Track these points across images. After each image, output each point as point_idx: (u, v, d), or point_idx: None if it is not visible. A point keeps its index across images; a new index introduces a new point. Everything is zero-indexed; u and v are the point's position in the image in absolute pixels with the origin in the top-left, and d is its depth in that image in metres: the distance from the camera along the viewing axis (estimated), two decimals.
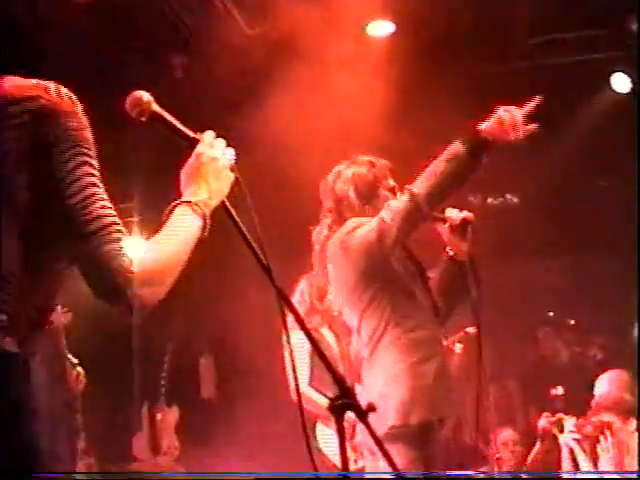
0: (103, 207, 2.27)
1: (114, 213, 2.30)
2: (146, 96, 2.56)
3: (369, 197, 4.42)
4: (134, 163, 8.66)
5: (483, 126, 4.13)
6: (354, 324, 4.37)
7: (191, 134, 2.58)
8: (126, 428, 8.66)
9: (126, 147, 8.30)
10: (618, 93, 8.29)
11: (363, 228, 4.22)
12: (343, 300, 4.40)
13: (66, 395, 5.65)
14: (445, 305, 4.60)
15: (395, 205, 4.14)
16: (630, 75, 8.15)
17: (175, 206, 2.49)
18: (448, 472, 5.17)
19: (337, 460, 5.62)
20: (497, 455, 5.93)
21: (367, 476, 4.53)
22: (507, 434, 7.51)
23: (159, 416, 8.88)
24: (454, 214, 4.42)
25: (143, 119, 2.55)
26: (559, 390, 8.44)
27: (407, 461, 4.01)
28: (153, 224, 8.20)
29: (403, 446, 4.03)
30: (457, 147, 4.10)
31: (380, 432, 4.05)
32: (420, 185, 4.09)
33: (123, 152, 8.32)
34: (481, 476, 6.19)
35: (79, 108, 2.34)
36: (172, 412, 8.96)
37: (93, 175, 2.29)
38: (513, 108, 4.20)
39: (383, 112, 7.22)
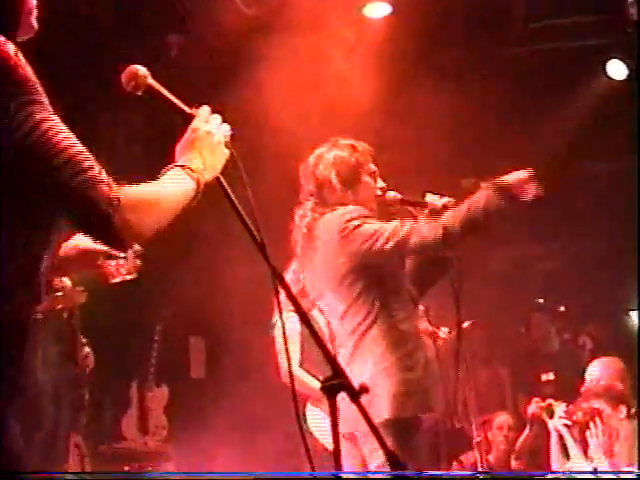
0: (65, 139, 2.18)
1: (79, 143, 2.21)
2: (142, 70, 2.54)
3: (351, 182, 4.38)
4: (124, 146, 8.64)
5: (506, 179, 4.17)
6: (338, 311, 4.33)
7: (187, 109, 2.56)
8: (115, 407, 8.64)
9: (117, 130, 8.28)
10: (613, 80, 8.27)
11: (372, 228, 4.16)
12: (328, 285, 4.34)
13: (73, 372, 5.66)
14: (418, 294, 4.58)
15: (425, 233, 4.09)
16: (626, 62, 8.13)
17: (169, 169, 2.44)
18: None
19: (327, 442, 5.66)
20: (477, 439, 5.88)
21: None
22: (502, 418, 7.53)
23: (148, 396, 8.87)
24: (435, 200, 4.39)
25: (139, 93, 2.53)
26: (550, 376, 8.45)
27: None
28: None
29: (391, 439, 4.00)
30: (487, 191, 4.16)
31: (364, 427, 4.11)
32: (451, 221, 4.08)
33: (114, 134, 8.31)
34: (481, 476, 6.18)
35: (12, 49, 2.21)
36: (161, 392, 8.94)
37: (42, 111, 2.18)
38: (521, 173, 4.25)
39: (378, 93, 7.21)
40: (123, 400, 8.77)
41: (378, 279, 4.20)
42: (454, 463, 7.50)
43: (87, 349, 5.94)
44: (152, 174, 2.37)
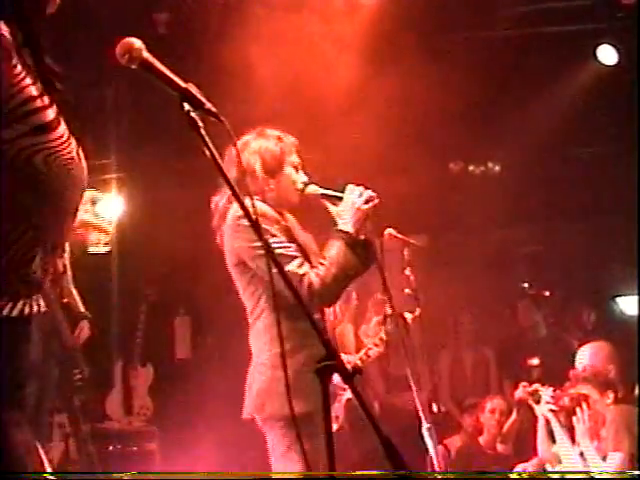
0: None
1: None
2: (137, 43, 2.50)
3: (273, 172, 4.35)
4: (113, 120, 8.60)
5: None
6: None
7: (182, 84, 2.51)
8: (99, 387, 8.61)
9: (106, 104, 8.24)
10: (603, 65, 8.25)
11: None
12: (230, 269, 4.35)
13: (61, 352, 5.62)
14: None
15: (303, 285, 4.00)
16: (617, 47, 8.11)
17: None
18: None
19: None
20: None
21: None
22: (496, 402, 7.52)
23: (133, 375, 8.85)
24: (356, 193, 4.33)
25: (133, 66, 2.49)
26: (534, 361, 8.46)
27: (276, 445, 4.04)
28: (131, 181, 8.15)
29: (268, 431, 4.06)
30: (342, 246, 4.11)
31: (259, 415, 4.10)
32: (326, 282, 4.03)
33: (102, 109, 8.26)
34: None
35: None
36: (146, 371, 8.92)
37: None
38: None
39: (365, 74, 7.20)
40: (107, 380, 8.75)
41: (260, 278, 4.16)
42: (439, 446, 7.51)
43: (84, 321, 5.91)
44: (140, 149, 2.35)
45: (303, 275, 3.93)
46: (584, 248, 9.94)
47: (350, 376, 2.38)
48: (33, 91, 2.23)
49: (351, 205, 4.21)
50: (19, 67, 2.20)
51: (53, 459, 6.93)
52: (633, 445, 5.61)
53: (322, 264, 4.07)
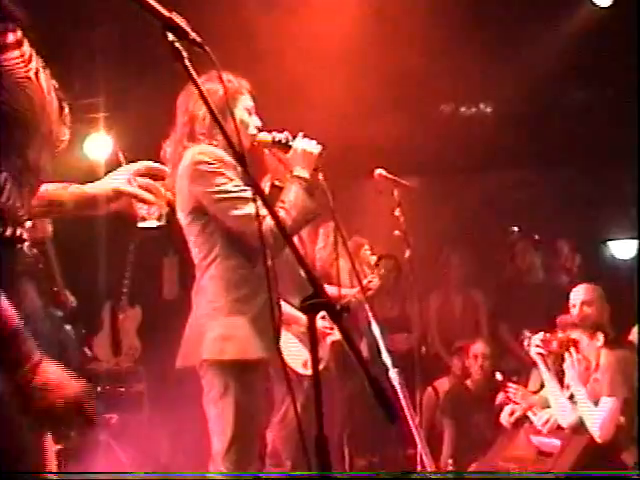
0: None
1: None
2: None
3: (222, 115, 4.30)
4: (101, 58, 8.48)
5: None
6: (190, 242, 4.33)
7: (166, 13, 2.44)
8: (87, 328, 8.60)
9: (93, 43, 8.13)
10: (598, 7, 8.14)
11: (225, 185, 4.10)
12: (181, 217, 4.30)
13: (52, 311, 5.60)
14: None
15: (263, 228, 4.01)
16: None
17: None
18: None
19: (296, 365, 5.64)
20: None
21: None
22: (478, 347, 7.50)
23: (121, 316, 8.83)
24: (305, 141, 4.33)
25: None
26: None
27: (222, 391, 4.04)
28: (119, 120, 8.07)
29: (217, 376, 4.05)
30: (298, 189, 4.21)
31: (194, 362, 4.13)
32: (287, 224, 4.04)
33: (90, 47, 8.15)
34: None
35: None
36: (134, 312, 8.90)
37: None
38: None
39: (365, 20, 7.16)
40: (95, 321, 8.74)
41: (218, 223, 4.14)
42: (428, 388, 7.53)
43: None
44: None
45: (264, 217, 3.92)
46: (576, 192, 9.91)
47: (338, 313, 2.34)
48: None
49: (302, 152, 4.28)
50: None
51: None
52: (630, 391, 5.61)
53: (282, 207, 4.08)
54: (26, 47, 2.33)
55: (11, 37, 2.27)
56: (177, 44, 2.39)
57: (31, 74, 2.33)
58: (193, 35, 2.44)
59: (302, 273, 2.35)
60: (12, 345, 2.12)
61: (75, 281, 7.20)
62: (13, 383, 2.12)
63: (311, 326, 2.35)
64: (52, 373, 2.17)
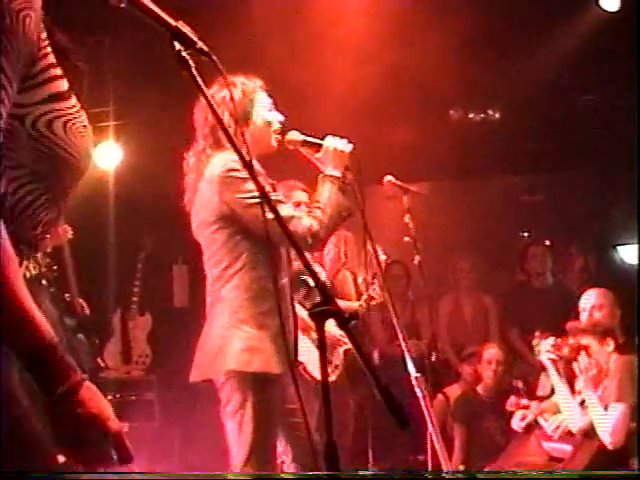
0: None
1: None
2: None
3: (244, 119, 4.30)
4: (111, 67, 8.50)
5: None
6: (207, 255, 4.29)
7: (172, 22, 2.44)
8: (98, 336, 8.61)
9: (103, 51, 8.14)
10: (605, 11, 8.13)
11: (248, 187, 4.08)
12: (201, 227, 4.29)
13: (69, 318, 5.61)
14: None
15: (300, 228, 4.05)
16: None
17: None
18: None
19: (314, 370, 5.62)
20: None
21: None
22: (491, 352, 7.48)
23: (132, 324, 8.84)
24: (336, 140, 4.34)
25: (122, 5, 2.41)
26: None
27: (241, 402, 4.02)
28: (129, 128, 8.07)
29: (237, 388, 4.03)
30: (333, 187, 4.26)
31: (212, 375, 4.11)
32: (322, 223, 4.11)
33: (100, 56, 8.17)
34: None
35: None
36: (145, 320, 8.91)
37: None
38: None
39: (375, 22, 7.16)
40: (106, 329, 8.74)
41: (247, 232, 4.12)
42: (439, 395, 7.51)
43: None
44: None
45: (301, 218, 3.93)
46: (585, 197, 9.90)
47: (346, 321, 2.34)
48: (51, 59, 2.17)
49: (333, 151, 4.29)
50: (44, 33, 2.15)
51: None
52: (638, 396, 5.61)
53: (317, 207, 4.08)
54: (73, 95, 2.26)
55: (65, 84, 2.22)
56: (184, 53, 2.38)
57: (86, 122, 2.27)
58: (200, 44, 2.42)
59: (310, 281, 2.36)
60: (47, 361, 1.92)
61: (86, 289, 7.22)
62: (48, 404, 1.93)
63: (319, 333, 2.35)
64: (95, 399, 1.96)
